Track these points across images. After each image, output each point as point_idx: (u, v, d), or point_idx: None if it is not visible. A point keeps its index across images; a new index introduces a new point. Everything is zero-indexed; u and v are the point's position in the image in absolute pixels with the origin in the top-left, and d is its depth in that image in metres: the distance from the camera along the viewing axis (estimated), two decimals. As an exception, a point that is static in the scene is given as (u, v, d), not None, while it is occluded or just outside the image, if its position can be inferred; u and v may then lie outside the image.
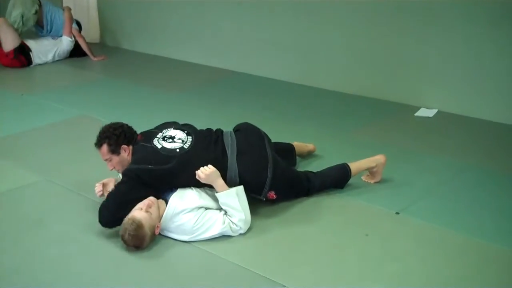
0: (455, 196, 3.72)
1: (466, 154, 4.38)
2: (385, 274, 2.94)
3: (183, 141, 3.41)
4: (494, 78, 4.98)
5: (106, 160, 3.50)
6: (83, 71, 6.78)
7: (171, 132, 3.50)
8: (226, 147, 3.45)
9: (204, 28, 6.90)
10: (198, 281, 2.92)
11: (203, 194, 3.32)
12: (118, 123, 3.57)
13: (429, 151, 4.43)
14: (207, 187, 3.36)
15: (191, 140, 3.43)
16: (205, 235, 3.19)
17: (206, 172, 3.24)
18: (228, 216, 3.24)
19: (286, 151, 4.01)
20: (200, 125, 3.73)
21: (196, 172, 3.26)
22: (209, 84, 6.27)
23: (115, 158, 3.46)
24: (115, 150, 3.44)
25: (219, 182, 3.27)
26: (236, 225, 3.22)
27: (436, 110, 5.27)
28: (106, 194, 3.41)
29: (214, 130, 3.64)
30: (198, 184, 3.33)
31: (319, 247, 3.18)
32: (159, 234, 3.22)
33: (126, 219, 3.10)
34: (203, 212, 3.22)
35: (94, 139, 4.80)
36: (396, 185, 3.86)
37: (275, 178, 3.44)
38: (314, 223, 3.42)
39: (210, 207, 3.28)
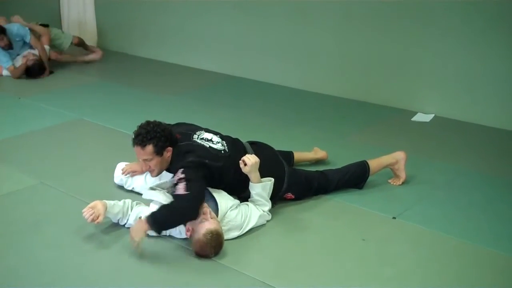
0: (452, 201, 3.73)
1: (463, 158, 4.39)
2: (382, 278, 2.94)
3: (222, 144, 3.47)
4: (491, 83, 5.00)
5: (145, 160, 3.34)
6: (80, 75, 6.77)
7: (206, 135, 3.51)
8: None
9: (201, 32, 6.90)
10: (192, 284, 2.92)
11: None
12: (160, 123, 3.38)
13: (426, 155, 4.44)
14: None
15: (226, 145, 3.49)
16: (250, 225, 3.32)
17: (250, 162, 3.33)
18: (257, 206, 3.40)
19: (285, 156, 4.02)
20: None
21: (243, 159, 3.35)
22: (205, 88, 6.27)
23: (157, 159, 3.32)
24: (159, 152, 3.30)
25: (256, 174, 3.39)
26: (267, 214, 3.43)
27: (433, 115, 5.28)
28: (97, 218, 3.21)
29: (233, 137, 3.68)
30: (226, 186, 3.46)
31: (315, 252, 3.18)
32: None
33: (199, 235, 3.03)
34: (238, 207, 3.35)
35: (90, 142, 4.87)
36: (392, 190, 3.87)
37: (290, 187, 3.61)
38: (310, 228, 3.42)
39: (238, 202, 3.42)
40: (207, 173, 3.29)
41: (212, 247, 3.04)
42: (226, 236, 3.22)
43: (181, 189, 3.13)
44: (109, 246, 3.24)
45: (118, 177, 3.84)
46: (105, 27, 7.97)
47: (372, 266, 3.04)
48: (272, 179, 3.46)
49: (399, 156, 3.90)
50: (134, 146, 3.34)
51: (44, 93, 6.09)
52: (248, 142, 3.73)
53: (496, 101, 5.01)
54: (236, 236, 3.27)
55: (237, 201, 3.41)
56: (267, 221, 3.43)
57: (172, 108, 5.55)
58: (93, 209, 3.22)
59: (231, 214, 3.27)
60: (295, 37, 6.10)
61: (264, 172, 3.46)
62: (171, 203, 3.13)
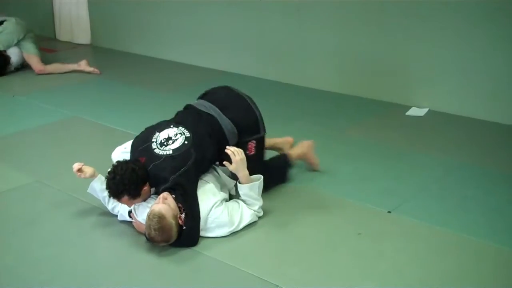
0: (447, 194, 3.74)
1: (458, 152, 4.40)
2: (378, 272, 2.95)
3: (181, 133, 3.40)
4: (485, 77, 5.00)
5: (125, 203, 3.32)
6: (74, 72, 6.75)
7: (161, 135, 3.40)
8: (209, 113, 3.53)
9: (195, 28, 6.90)
10: (190, 282, 2.92)
11: (216, 183, 3.41)
12: (127, 166, 3.23)
13: (421, 149, 4.45)
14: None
15: (183, 128, 3.43)
16: (243, 223, 3.29)
17: (236, 159, 3.28)
18: (247, 205, 3.36)
19: None
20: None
21: (227, 151, 3.31)
22: (201, 85, 6.21)
23: (137, 199, 3.27)
24: (136, 195, 3.23)
25: (245, 172, 3.34)
26: (258, 212, 3.40)
27: (427, 109, 5.29)
28: (82, 172, 3.39)
29: (184, 109, 3.67)
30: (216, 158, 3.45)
31: (311, 246, 3.19)
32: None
33: (146, 218, 3.07)
34: (225, 204, 3.31)
35: (86, 140, 4.86)
36: (387, 184, 3.88)
37: (261, 115, 3.66)
38: (306, 223, 3.43)
39: (225, 197, 3.39)
40: (191, 179, 3.26)
41: (154, 230, 3.00)
42: (215, 233, 3.23)
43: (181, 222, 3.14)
44: (106, 244, 3.24)
45: None
46: (98, 24, 7.94)
47: (368, 261, 3.05)
48: (261, 178, 3.41)
49: (305, 147, 4.00)
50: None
51: (38, 91, 6.07)
52: (201, 94, 3.72)
53: (490, 95, 5.02)
54: (227, 233, 3.25)
55: (222, 195, 3.34)
56: (259, 217, 3.42)
57: (167, 105, 5.50)
58: (82, 170, 3.40)
59: (216, 212, 3.23)
60: (291, 33, 6.09)
61: (231, 111, 3.54)
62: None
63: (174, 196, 3.15)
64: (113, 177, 3.20)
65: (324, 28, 5.84)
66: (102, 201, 3.46)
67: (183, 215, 3.12)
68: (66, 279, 2.93)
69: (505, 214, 3.49)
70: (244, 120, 3.58)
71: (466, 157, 4.31)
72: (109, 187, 3.22)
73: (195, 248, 3.15)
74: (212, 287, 2.88)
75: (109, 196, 3.30)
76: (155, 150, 3.34)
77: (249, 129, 3.58)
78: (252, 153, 3.55)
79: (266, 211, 3.47)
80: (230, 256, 3.08)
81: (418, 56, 5.32)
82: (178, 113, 3.67)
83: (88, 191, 3.47)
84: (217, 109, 3.55)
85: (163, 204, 3.06)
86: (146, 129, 3.58)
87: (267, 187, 3.57)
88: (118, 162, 3.31)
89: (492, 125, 4.95)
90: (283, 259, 3.08)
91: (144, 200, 3.30)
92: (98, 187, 3.42)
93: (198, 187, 3.31)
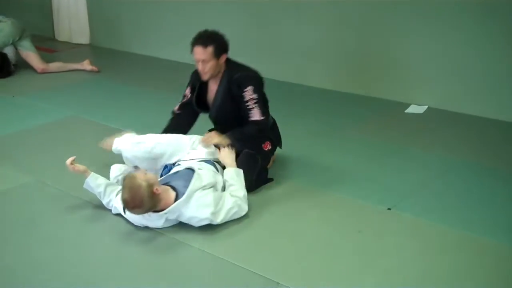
0: (447, 191, 3.75)
1: (457, 149, 4.41)
2: (378, 270, 2.95)
3: None
4: (484, 74, 5.01)
5: (203, 61, 3.64)
6: (73, 72, 6.76)
7: None
8: None
9: (194, 28, 6.85)
10: (190, 279, 2.92)
11: (215, 174, 3.51)
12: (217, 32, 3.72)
13: (420, 146, 4.46)
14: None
15: None
16: (225, 207, 3.29)
17: (224, 143, 3.62)
18: (232, 192, 3.41)
19: None
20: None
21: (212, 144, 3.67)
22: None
23: (213, 62, 3.65)
24: (218, 54, 3.62)
25: (232, 162, 3.57)
26: (240, 200, 3.37)
27: (426, 107, 5.30)
28: (74, 166, 3.49)
29: None
30: None
31: (312, 244, 3.19)
32: (178, 223, 3.30)
33: None
34: (213, 188, 3.38)
35: (86, 140, 4.86)
36: (387, 181, 3.88)
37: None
38: (306, 220, 3.43)
39: (217, 185, 3.46)
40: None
41: (125, 190, 3.09)
42: (197, 213, 3.21)
43: (256, 113, 3.61)
44: (107, 243, 3.24)
45: (115, 178, 3.83)
46: (97, 24, 7.95)
47: (369, 258, 3.05)
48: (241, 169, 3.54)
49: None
50: (194, 47, 3.66)
51: (38, 91, 6.08)
52: None
53: (489, 92, 5.03)
54: (209, 215, 3.21)
55: (214, 181, 3.40)
56: (258, 216, 3.43)
57: (166, 104, 5.51)
58: (74, 165, 3.51)
59: (203, 192, 3.27)
60: (290, 32, 6.10)
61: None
62: (249, 130, 3.62)
63: (256, 95, 3.73)
64: (207, 30, 3.70)
65: (324, 27, 5.85)
66: (97, 196, 3.52)
67: (159, 188, 3.18)
68: (66, 279, 2.92)
69: (505, 211, 3.50)
70: (274, 124, 3.94)
71: (465, 154, 4.31)
72: (201, 35, 3.67)
73: (195, 245, 3.15)
74: (212, 285, 2.88)
75: (194, 45, 3.72)
76: None
77: (273, 131, 3.90)
78: (266, 149, 3.79)
79: (266, 209, 3.48)
80: (231, 254, 3.08)
81: (417, 54, 5.33)
82: None
83: (84, 186, 3.54)
84: None
85: (139, 172, 3.23)
86: None
87: (258, 185, 3.73)
88: None
89: (491, 122, 4.95)
90: (284, 257, 3.08)
91: (211, 75, 3.73)
92: (94, 183, 3.50)
93: (204, 167, 3.48)
